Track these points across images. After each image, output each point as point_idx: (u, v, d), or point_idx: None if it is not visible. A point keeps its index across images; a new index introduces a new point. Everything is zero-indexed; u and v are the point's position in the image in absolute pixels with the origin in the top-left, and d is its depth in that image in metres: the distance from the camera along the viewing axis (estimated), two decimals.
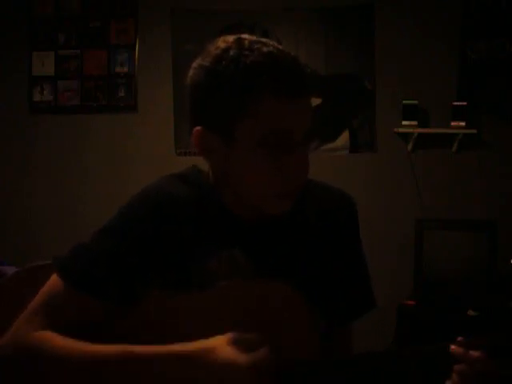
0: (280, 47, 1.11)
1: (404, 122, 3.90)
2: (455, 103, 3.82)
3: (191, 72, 1.13)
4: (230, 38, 1.11)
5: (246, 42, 1.09)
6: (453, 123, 3.82)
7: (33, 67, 4.39)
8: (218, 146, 1.12)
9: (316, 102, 4.02)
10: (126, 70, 4.30)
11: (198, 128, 1.13)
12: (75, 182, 4.36)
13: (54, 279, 1.14)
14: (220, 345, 1.04)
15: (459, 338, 1.07)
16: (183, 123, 4.05)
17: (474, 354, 1.03)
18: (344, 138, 4.05)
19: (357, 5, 4.00)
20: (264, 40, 1.11)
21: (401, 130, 3.92)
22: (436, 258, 3.75)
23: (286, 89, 1.06)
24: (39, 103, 4.40)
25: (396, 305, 3.48)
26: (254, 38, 1.11)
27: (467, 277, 3.62)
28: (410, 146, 3.95)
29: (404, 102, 3.88)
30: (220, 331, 1.08)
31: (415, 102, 3.88)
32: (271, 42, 1.11)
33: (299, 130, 1.09)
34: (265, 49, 1.08)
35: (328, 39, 4.04)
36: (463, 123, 3.80)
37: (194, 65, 1.13)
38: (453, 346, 1.06)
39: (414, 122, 3.88)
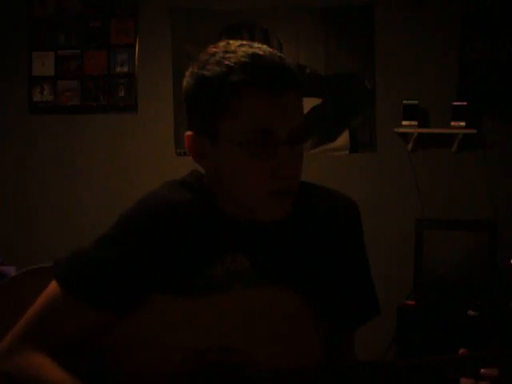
0: (269, 49, 1.10)
1: (404, 122, 3.89)
2: (455, 103, 3.82)
3: (184, 80, 1.15)
4: (221, 43, 1.12)
5: (233, 46, 1.10)
6: (453, 123, 3.82)
7: (33, 67, 4.39)
8: (209, 150, 1.12)
9: (316, 101, 4.02)
10: (126, 70, 4.30)
11: (189, 133, 1.14)
12: (75, 182, 4.36)
13: (53, 287, 1.14)
14: None
15: (462, 350, 1.07)
16: (183, 123, 4.05)
17: (485, 370, 1.03)
18: (344, 138, 4.05)
19: (357, 5, 4.00)
20: (252, 43, 1.11)
21: (401, 130, 3.91)
22: (436, 258, 3.74)
23: (267, 86, 1.06)
24: (39, 103, 4.40)
25: (396, 305, 3.47)
26: (243, 42, 1.11)
27: (467, 277, 3.62)
28: (410, 146, 3.95)
29: (404, 101, 3.87)
30: (223, 335, 1.08)
31: (415, 101, 3.87)
32: (259, 45, 1.11)
33: (283, 129, 1.08)
34: (249, 50, 1.08)
35: (328, 39, 4.03)
36: (463, 123, 3.80)
37: (187, 72, 1.14)
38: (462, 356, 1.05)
39: (414, 122, 3.87)
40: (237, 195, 1.13)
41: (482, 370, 1.03)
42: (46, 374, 1.09)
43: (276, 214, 1.13)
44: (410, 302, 3.51)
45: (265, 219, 1.14)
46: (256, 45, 1.11)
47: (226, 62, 1.07)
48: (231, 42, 1.12)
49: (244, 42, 1.11)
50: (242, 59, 1.07)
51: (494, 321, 3.33)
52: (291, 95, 1.08)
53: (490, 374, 1.03)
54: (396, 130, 3.92)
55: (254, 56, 1.07)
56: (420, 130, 3.88)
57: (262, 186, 1.09)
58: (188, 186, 1.20)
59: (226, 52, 1.08)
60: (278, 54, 1.10)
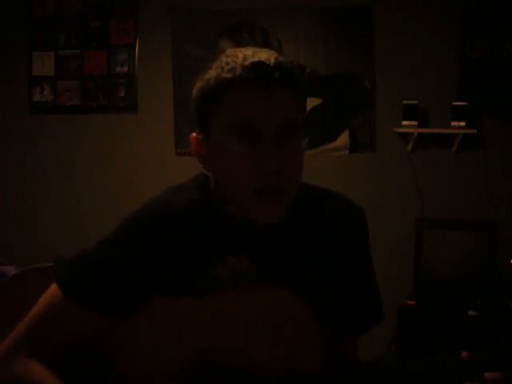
0: (270, 51, 1.11)
1: (404, 122, 3.89)
2: (455, 103, 3.82)
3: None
4: (228, 50, 1.13)
5: (236, 50, 1.11)
6: (453, 123, 3.82)
7: (33, 67, 4.39)
8: (207, 150, 1.14)
9: (316, 102, 4.02)
10: (126, 70, 4.30)
11: (194, 134, 1.15)
12: (75, 182, 4.36)
13: (54, 290, 1.13)
14: None
15: (464, 353, 1.06)
16: (183, 123, 4.05)
17: (489, 374, 1.03)
18: (344, 138, 4.05)
19: (357, 5, 4.00)
20: (257, 48, 1.12)
21: (401, 130, 3.91)
22: (436, 258, 3.74)
23: (252, 81, 1.06)
24: (39, 103, 4.40)
25: (396, 305, 3.47)
26: (251, 48, 1.12)
27: (467, 277, 3.62)
28: (410, 146, 3.95)
29: (404, 101, 3.87)
30: (226, 336, 1.08)
31: (415, 101, 3.87)
32: (262, 48, 1.12)
33: (267, 123, 1.07)
34: (249, 51, 1.10)
35: (328, 39, 4.03)
36: (463, 123, 3.80)
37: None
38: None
39: (414, 122, 3.87)
40: (230, 194, 1.13)
41: (486, 374, 1.02)
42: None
43: (268, 215, 1.11)
44: (410, 302, 3.51)
45: (258, 220, 1.13)
46: (259, 48, 1.12)
47: (222, 65, 1.09)
48: (239, 48, 1.13)
49: (250, 48, 1.12)
50: (238, 60, 1.08)
51: (494, 321, 3.33)
52: (278, 91, 1.08)
53: (494, 377, 1.02)
54: (396, 130, 3.92)
55: (246, 56, 1.08)
56: (420, 130, 3.88)
57: (247, 181, 1.08)
58: (191, 189, 1.20)
59: (228, 56, 1.10)
60: (277, 54, 1.10)
